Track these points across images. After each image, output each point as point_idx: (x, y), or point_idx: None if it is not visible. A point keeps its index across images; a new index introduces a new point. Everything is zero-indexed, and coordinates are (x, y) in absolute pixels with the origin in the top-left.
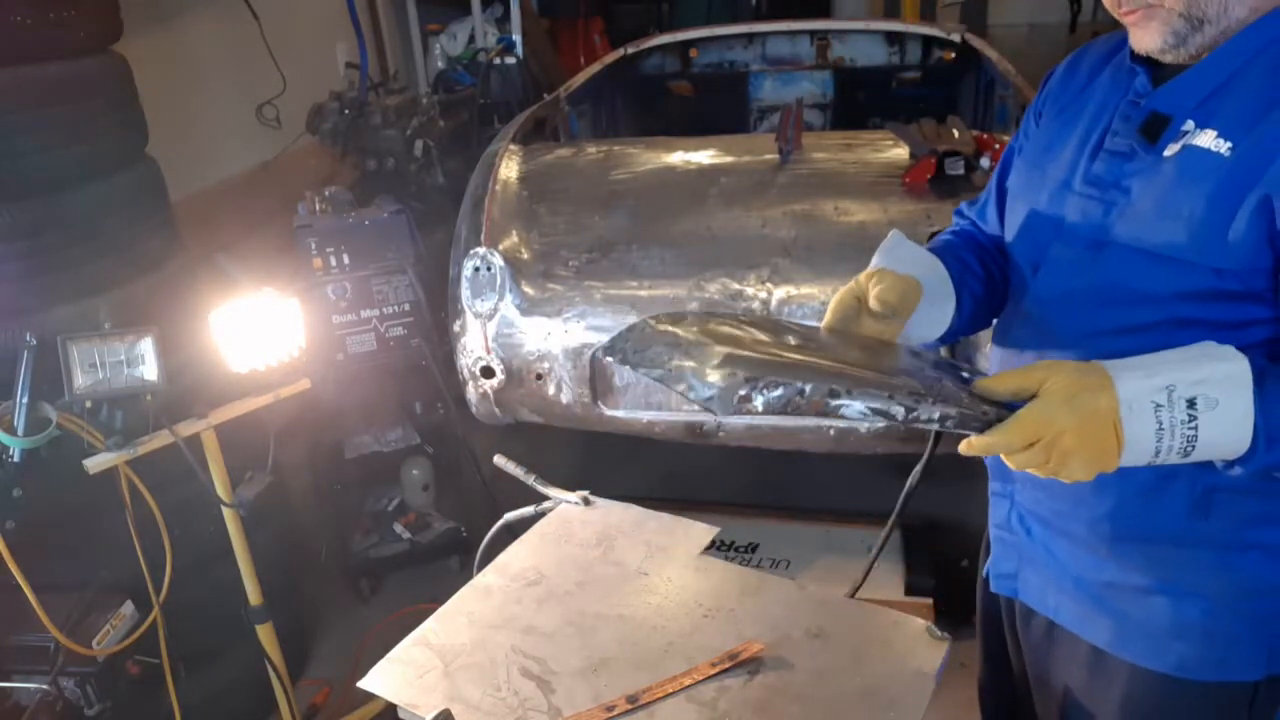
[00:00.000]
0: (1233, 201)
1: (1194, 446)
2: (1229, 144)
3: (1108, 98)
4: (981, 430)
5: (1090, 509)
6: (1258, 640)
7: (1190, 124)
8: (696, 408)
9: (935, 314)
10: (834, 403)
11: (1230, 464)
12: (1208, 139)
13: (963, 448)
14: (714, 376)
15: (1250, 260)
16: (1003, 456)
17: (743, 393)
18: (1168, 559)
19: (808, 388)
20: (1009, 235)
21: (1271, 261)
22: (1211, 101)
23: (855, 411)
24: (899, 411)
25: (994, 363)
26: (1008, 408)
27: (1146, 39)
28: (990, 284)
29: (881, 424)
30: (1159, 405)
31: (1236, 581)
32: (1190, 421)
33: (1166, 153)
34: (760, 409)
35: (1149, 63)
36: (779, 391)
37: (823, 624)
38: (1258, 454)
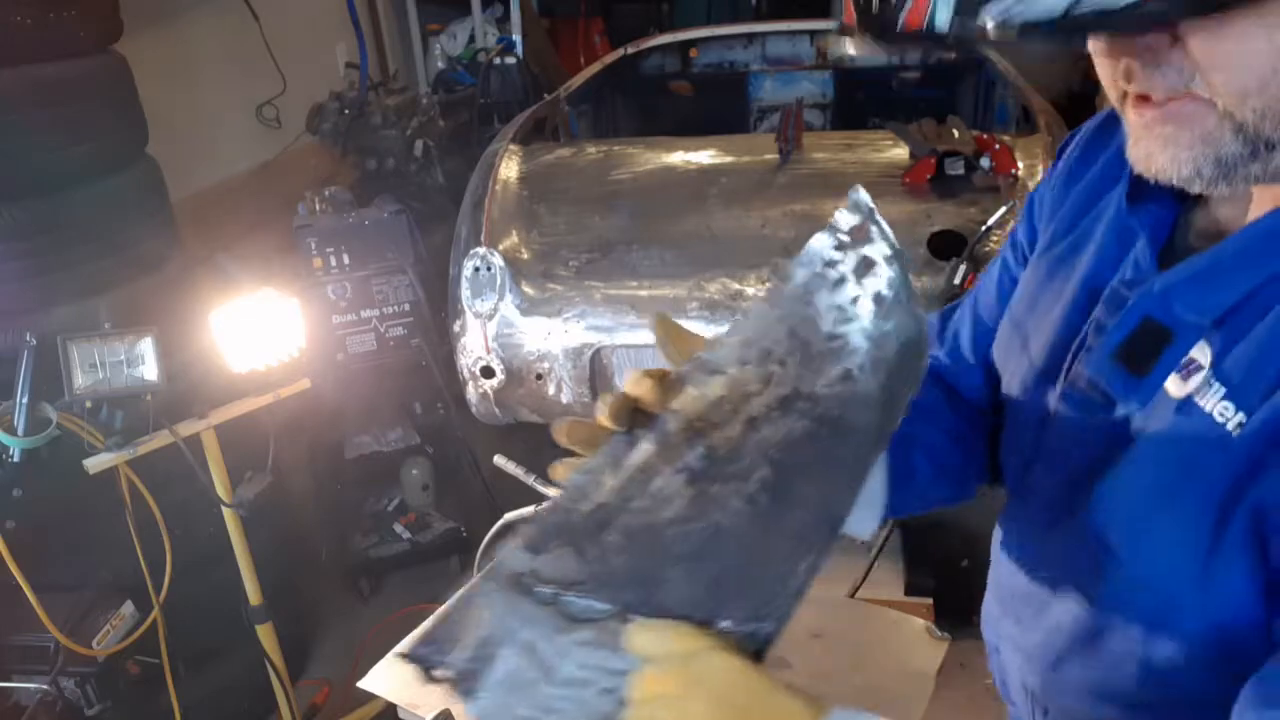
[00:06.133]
0: (1227, 512)
1: None
2: (1240, 416)
3: (1107, 246)
4: None
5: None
6: None
7: (1204, 351)
8: None
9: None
10: None
11: None
12: (1212, 401)
13: None
14: None
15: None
16: None
17: None
18: None
19: None
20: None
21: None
22: (1237, 318)
23: None
24: None
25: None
26: None
27: (1163, 160)
28: (962, 431)
29: None
30: None
31: None
32: None
33: (1171, 389)
34: None
35: (1155, 196)
36: None
37: (823, 624)
38: None
